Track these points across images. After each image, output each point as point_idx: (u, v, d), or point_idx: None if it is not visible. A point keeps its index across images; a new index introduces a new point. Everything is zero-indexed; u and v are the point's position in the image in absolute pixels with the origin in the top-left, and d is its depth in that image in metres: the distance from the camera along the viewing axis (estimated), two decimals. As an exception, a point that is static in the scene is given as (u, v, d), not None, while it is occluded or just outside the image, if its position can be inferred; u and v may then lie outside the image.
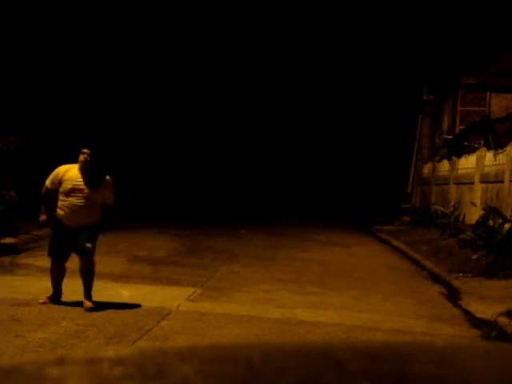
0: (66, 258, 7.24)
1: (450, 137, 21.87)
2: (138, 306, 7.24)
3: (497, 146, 15.77)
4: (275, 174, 33.60)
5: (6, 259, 10.23)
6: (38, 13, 21.64)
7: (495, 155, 15.10)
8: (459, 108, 21.84)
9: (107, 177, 7.06)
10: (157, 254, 12.04)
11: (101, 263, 10.41)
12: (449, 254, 12.95)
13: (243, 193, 29.94)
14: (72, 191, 6.91)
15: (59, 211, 7.00)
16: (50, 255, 7.24)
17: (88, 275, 7.16)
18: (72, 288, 8.12)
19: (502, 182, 13.99)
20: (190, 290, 8.43)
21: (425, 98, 25.26)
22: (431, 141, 25.12)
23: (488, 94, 21.33)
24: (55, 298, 7.13)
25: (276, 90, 33.25)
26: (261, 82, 32.90)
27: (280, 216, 23.55)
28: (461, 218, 16.60)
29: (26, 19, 21.04)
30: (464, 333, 6.94)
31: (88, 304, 6.95)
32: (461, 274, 10.53)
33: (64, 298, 7.40)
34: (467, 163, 17.61)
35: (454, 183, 18.68)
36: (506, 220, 12.66)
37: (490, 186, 15.00)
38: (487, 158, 15.81)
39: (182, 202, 26.24)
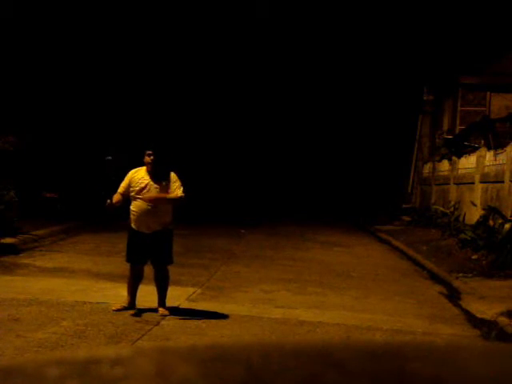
0: (142, 262, 7.11)
1: (450, 137, 21.87)
2: (138, 305, 7.24)
3: (497, 145, 15.77)
4: (275, 174, 33.60)
5: (6, 259, 10.23)
6: (38, 13, 21.65)
7: (495, 155, 15.10)
8: (459, 108, 21.85)
9: (172, 173, 6.97)
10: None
11: (101, 263, 10.44)
12: (449, 254, 12.95)
13: (243, 193, 29.94)
14: (140, 192, 6.86)
15: (132, 216, 6.95)
16: (127, 260, 7.15)
17: (162, 283, 7.04)
18: (71, 288, 8.13)
19: (502, 181, 13.99)
20: (190, 289, 8.43)
21: (425, 97, 25.26)
22: (431, 141, 25.13)
23: (488, 93, 21.34)
24: (131, 304, 7.01)
25: (276, 90, 33.25)
26: (261, 84, 32.92)
27: (280, 216, 23.55)
28: (461, 218, 16.60)
29: (26, 19, 21.05)
30: (464, 333, 6.95)
31: (163, 311, 6.87)
32: (461, 274, 10.53)
33: (62, 298, 7.39)
34: (467, 163, 17.61)
35: (454, 183, 18.68)
36: (506, 220, 12.66)
37: (490, 185, 15.00)
38: (487, 158, 15.81)
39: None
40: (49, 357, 1.01)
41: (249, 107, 33.55)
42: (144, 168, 6.95)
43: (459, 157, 18.71)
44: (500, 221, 12.88)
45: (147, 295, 7.91)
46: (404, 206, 23.45)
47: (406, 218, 20.99)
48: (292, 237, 16.61)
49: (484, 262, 11.48)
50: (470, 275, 10.47)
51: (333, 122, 33.67)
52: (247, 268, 10.81)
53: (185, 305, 7.53)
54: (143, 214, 6.85)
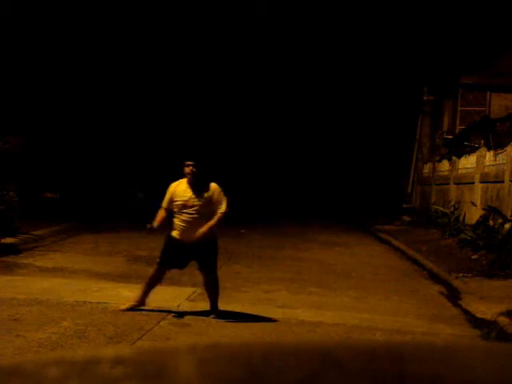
0: (172, 267, 7.15)
1: (450, 137, 21.87)
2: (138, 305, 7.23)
3: (497, 145, 15.77)
4: (276, 175, 33.59)
5: (7, 259, 10.23)
6: (39, 11, 21.63)
7: (495, 155, 15.10)
8: (459, 108, 21.84)
9: (212, 184, 6.89)
10: (157, 253, 11.97)
11: (101, 263, 10.44)
12: (449, 253, 12.95)
13: (243, 193, 29.94)
14: (183, 207, 6.80)
15: (175, 227, 6.92)
16: (159, 262, 7.12)
17: (212, 289, 7.00)
18: (71, 288, 8.13)
19: (503, 181, 13.99)
20: (190, 289, 8.42)
21: (425, 98, 25.25)
22: (431, 141, 25.12)
23: (488, 93, 21.34)
24: (141, 302, 7.00)
25: (276, 90, 33.24)
26: (261, 83, 32.90)
27: (280, 216, 23.54)
28: (461, 218, 16.59)
29: (27, 18, 21.03)
30: (464, 333, 6.94)
31: (213, 317, 6.83)
32: (461, 274, 10.53)
33: (62, 299, 7.39)
34: (467, 163, 17.61)
35: (454, 183, 18.68)
36: (506, 220, 12.66)
37: (490, 185, 15.00)
38: (487, 158, 15.81)
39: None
40: (49, 357, 1.00)
41: (249, 107, 33.54)
42: (185, 180, 6.87)
43: (459, 157, 18.71)
44: (500, 221, 12.88)
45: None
46: (404, 205, 23.45)
47: (406, 218, 20.99)
48: (292, 237, 16.60)
49: (484, 261, 11.48)
50: (470, 275, 10.47)
51: (333, 123, 33.66)
52: (247, 268, 10.81)
53: (185, 305, 7.53)
54: (187, 228, 6.81)
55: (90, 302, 7.26)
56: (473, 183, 16.48)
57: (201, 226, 6.75)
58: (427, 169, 23.87)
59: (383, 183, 28.99)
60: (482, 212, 14.19)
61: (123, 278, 9.16)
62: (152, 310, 7.03)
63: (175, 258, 7.00)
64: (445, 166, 20.62)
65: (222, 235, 16.44)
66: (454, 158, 19.25)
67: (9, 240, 11.60)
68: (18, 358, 4.71)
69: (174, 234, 6.96)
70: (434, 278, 10.82)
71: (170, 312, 7.04)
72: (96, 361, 0.91)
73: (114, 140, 27.05)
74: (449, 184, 19.37)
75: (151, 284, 7.11)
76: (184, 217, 6.82)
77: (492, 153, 15.46)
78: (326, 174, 33.58)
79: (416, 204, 24.00)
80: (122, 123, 27.75)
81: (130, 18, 27.27)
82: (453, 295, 9.18)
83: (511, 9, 20.59)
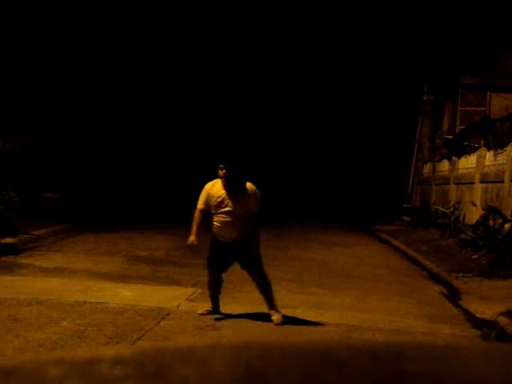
0: (222, 269, 7.04)
1: (450, 137, 21.87)
2: (138, 305, 7.24)
3: (497, 145, 15.77)
4: (276, 175, 33.60)
5: (6, 259, 10.23)
6: (38, 13, 21.63)
7: (495, 155, 15.10)
8: (459, 108, 21.85)
9: (248, 184, 6.85)
10: (157, 254, 12.05)
11: (101, 263, 10.44)
12: (449, 253, 12.96)
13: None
14: (219, 207, 6.76)
15: (214, 227, 6.87)
16: (208, 266, 7.05)
17: (263, 287, 6.93)
18: (71, 288, 8.13)
19: (502, 181, 13.99)
20: (190, 289, 8.43)
21: (425, 98, 25.26)
22: (431, 141, 25.13)
23: (488, 93, 21.34)
24: (215, 309, 6.97)
25: (276, 90, 33.24)
26: (260, 83, 32.90)
27: (281, 216, 23.55)
28: (461, 218, 16.60)
29: (26, 19, 21.03)
30: (464, 333, 6.95)
31: (275, 318, 6.74)
32: (461, 274, 10.53)
33: (62, 299, 7.40)
34: (467, 163, 17.61)
35: (454, 183, 18.68)
36: (506, 220, 12.67)
37: (490, 185, 15.00)
38: (487, 158, 15.81)
39: (183, 202, 26.24)
40: (49, 357, 1.00)
41: (248, 107, 33.54)
42: (220, 181, 6.84)
43: (459, 157, 18.71)
44: (500, 221, 12.89)
45: (146, 295, 7.93)
46: (404, 206, 23.44)
47: (406, 218, 20.99)
48: (293, 237, 16.60)
49: (484, 261, 11.48)
50: (470, 275, 10.47)
51: (333, 123, 33.66)
52: (247, 268, 10.80)
53: (185, 305, 7.53)
54: (225, 228, 6.77)
55: (90, 302, 7.26)
56: (473, 183, 16.48)
57: (236, 227, 6.70)
58: (427, 169, 23.87)
59: (383, 183, 28.99)
60: (482, 212, 14.20)
61: (123, 278, 9.16)
62: (152, 310, 7.02)
63: (220, 259, 6.92)
64: (445, 166, 20.62)
65: (222, 235, 16.46)
66: (453, 158, 19.25)
67: (9, 240, 11.60)
68: (17, 358, 4.72)
69: (215, 235, 6.91)
70: (434, 278, 10.82)
71: (169, 312, 7.04)
72: (96, 361, 0.91)
73: (114, 140, 27.05)
74: (449, 184, 19.37)
75: (213, 289, 7.03)
76: (221, 217, 6.77)
77: (492, 153, 15.46)
78: (326, 175, 33.58)
79: (416, 204, 24.00)
80: (122, 123, 27.75)
81: (130, 18, 27.28)
82: (453, 295, 9.19)
83: (511, 9, 20.59)
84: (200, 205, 6.90)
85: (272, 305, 6.90)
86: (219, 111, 33.16)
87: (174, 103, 31.28)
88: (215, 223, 6.84)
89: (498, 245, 11.77)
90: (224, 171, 6.72)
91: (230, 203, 6.75)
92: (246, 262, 6.96)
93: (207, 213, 6.91)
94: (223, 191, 6.79)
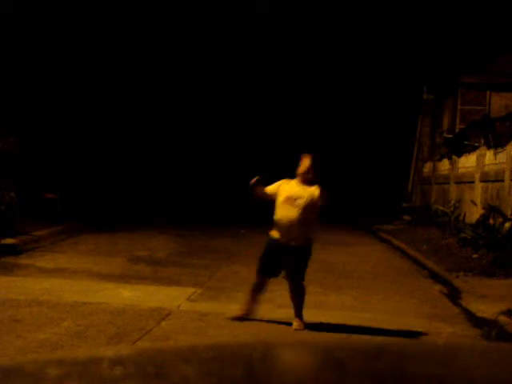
0: (271, 276, 6.94)
1: (450, 136, 21.87)
2: (138, 306, 7.24)
3: (497, 144, 15.77)
4: (276, 175, 33.54)
5: (7, 260, 10.23)
6: (38, 13, 21.63)
7: (495, 154, 15.10)
8: (459, 107, 21.84)
9: (317, 185, 6.80)
10: (157, 254, 12.05)
11: (101, 264, 10.44)
12: (449, 253, 12.95)
13: (243, 193, 29.92)
14: (286, 201, 6.69)
15: (276, 224, 6.80)
16: (258, 271, 6.94)
17: (296, 297, 6.85)
18: (72, 289, 8.13)
19: (503, 180, 13.99)
20: (191, 290, 8.43)
21: (425, 97, 25.26)
22: (431, 140, 25.13)
23: (488, 92, 21.34)
24: (249, 311, 6.86)
25: (275, 89, 33.23)
26: (260, 82, 32.89)
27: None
28: (461, 217, 16.59)
29: (23, 21, 21.03)
30: (464, 332, 6.94)
31: (296, 325, 6.68)
32: (461, 273, 10.53)
33: (63, 299, 7.40)
34: (467, 162, 17.61)
35: (455, 182, 18.68)
36: (506, 219, 12.66)
37: (491, 185, 14.99)
38: (487, 157, 15.81)
39: (183, 202, 26.24)
40: (49, 357, 1.01)
41: (248, 106, 33.52)
42: (294, 181, 6.80)
43: (459, 156, 18.71)
44: (500, 220, 12.89)
45: (146, 296, 7.93)
46: (404, 205, 23.43)
47: (407, 218, 20.99)
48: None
49: (484, 260, 11.48)
50: (471, 274, 10.47)
51: (333, 122, 33.66)
52: (247, 268, 10.78)
53: (185, 305, 7.53)
54: (288, 222, 6.66)
55: (91, 303, 7.26)
56: (473, 182, 16.47)
57: (297, 226, 6.61)
58: (427, 168, 23.87)
59: (383, 182, 28.99)
60: (482, 211, 14.19)
61: (123, 278, 9.16)
62: (152, 310, 7.02)
63: (272, 264, 6.82)
64: (445, 165, 20.62)
65: (222, 235, 16.52)
66: (454, 157, 19.25)
67: (9, 241, 11.60)
68: (18, 359, 4.72)
69: (275, 234, 6.81)
70: (435, 277, 10.82)
71: (170, 312, 7.04)
72: (96, 361, 0.91)
73: (114, 140, 27.05)
74: (449, 183, 19.37)
75: (254, 294, 6.92)
76: (285, 210, 6.68)
77: (492, 152, 15.46)
78: (326, 174, 33.52)
79: (416, 203, 24.00)
80: (122, 123, 27.74)
81: (130, 17, 27.27)
82: (453, 294, 9.18)
83: (511, 8, 20.59)
84: (268, 188, 6.86)
85: (298, 314, 6.79)
86: (219, 111, 33.15)
87: (173, 103, 31.27)
88: (279, 218, 6.73)
89: (499, 244, 11.77)
90: (305, 168, 6.71)
91: (299, 197, 6.67)
92: (293, 271, 6.81)
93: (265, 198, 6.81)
94: (296, 186, 6.73)
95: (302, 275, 6.85)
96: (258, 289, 6.93)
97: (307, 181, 6.75)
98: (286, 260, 6.73)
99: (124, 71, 27.34)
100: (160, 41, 29.10)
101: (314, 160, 6.86)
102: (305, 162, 6.82)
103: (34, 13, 21.44)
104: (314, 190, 6.74)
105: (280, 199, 6.75)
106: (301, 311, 6.83)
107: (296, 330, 6.63)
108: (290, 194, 6.71)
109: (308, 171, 6.74)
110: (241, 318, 6.78)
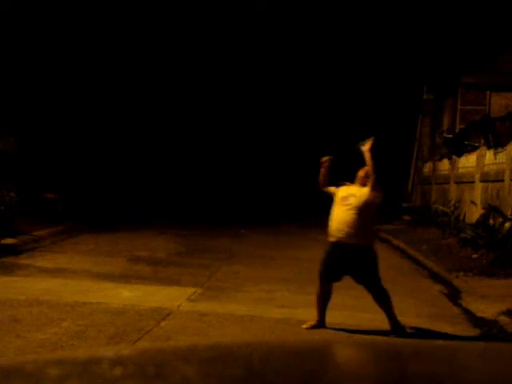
0: (334, 280, 6.89)
1: (450, 136, 21.86)
2: (138, 306, 7.24)
3: (497, 144, 15.76)
4: (275, 175, 33.58)
5: (7, 260, 10.23)
6: (38, 13, 21.63)
7: (495, 154, 15.09)
8: (459, 107, 21.84)
9: (372, 186, 6.83)
10: (157, 254, 12.05)
11: (102, 264, 10.44)
12: (449, 252, 12.95)
13: (243, 193, 29.94)
14: (339, 201, 6.72)
15: (330, 225, 6.82)
16: (320, 277, 6.89)
17: (381, 302, 6.80)
18: (72, 289, 8.13)
19: (503, 180, 13.99)
20: (191, 290, 8.43)
21: (425, 97, 25.26)
22: (431, 140, 25.13)
23: (488, 92, 21.33)
24: (321, 322, 6.78)
25: (274, 89, 33.24)
26: (259, 82, 32.90)
27: (280, 216, 23.54)
28: (461, 217, 16.59)
29: (27, 19, 21.03)
30: (464, 332, 6.94)
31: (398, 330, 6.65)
32: (461, 273, 10.52)
33: (63, 299, 7.39)
34: (467, 162, 17.60)
35: (455, 182, 18.68)
36: (506, 219, 12.66)
37: (491, 184, 14.99)
38: (487, 157, 15.80)
39: (183, 202, 26.24)
40: (49, 357, 1.01)
41: (248, 106, 33.52)
42: (354, 185, 6.83)
43: (459, 156, 18.70)
44: (500, 220, 12.88)
45: (146, 296, 7.93)
46: (404, 205, 23.42)
47: (407, 217, 20.98)
48: (292, 236, 16.61)
49: (484, 260, 11.48)
50: (471, 274, 10.47)
51: (333, 122, 33.66)
52: (247, 268, 10.81)
53: (185, 305, 7.53)
54: (341, 222, 6.68)
55: (91, 303, 7.26)
56: (473, 182, 16.47)
57: (355, 227, 6.60)
58: (427, 168, 23.86)
59: (383, 182, 28.94)
60: (483, 211, 14.19)
61: (124, 278, 9.16)
62: (152, 310, 7.02)
63: (333, 269, 6.78)
64: (445, 165, 20.62)
65: (222, 235, 16.52)
66: (454, 157, 19.25)
67: (9, 241, 11.60)
68: (18, 359, 4.72)
69: (331, 237, 6.81)
70: (435, 277, 10.82)
71: (170, 312, 7.04)
72: (96, 361, 0.91)
73: (114, 140, 27.05)
74: (449, 183, 19.36)
75: (322, 302, 6.86)
76: (342, 210, 6.68)
77: (492, 152, 15.46)
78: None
79: (416, 203, 23.99)
80: (122, 123, 27.74)
81: (130, 17, 27.27)
82: (453, 294, 9.18)
83: (511, 8, 20.59)
84: (329, 187, 6.97)
85: (392, 322, 6.71)
86: (218, 111, 33.15)
87: (173, 103, 31.27)
88: (334, 219, 6.76)
89: (499, 244, 11.76)
90: (365, 172, 6.81)
91: (355, 197, 6.71)
92: (362, 276, 6.79)
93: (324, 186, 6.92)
94: (354, 188, 6.79)
95: (375, 277, 6.78)
96: (324, 297, 6.84)
97: (364, 184, 6.78)
98: (350, 263, 6.68)
99: (124, 71, 27.34)
100: (160, 41, 29.10)
101: (375, 166, 6.92)
102: (364, 169, 6.90)
103: (34, 13, 21.44)
104: (367, 190, 6.73)
105: (335, 200, 6.84)
106: (391, 315, 6.73)
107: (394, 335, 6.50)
108: (344, 195, 6.76)
109: (367, 175, 6.78)
110: (314, 327, 6.71)
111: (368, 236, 6.84)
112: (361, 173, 6.84)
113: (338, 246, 6.69)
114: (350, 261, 6.66)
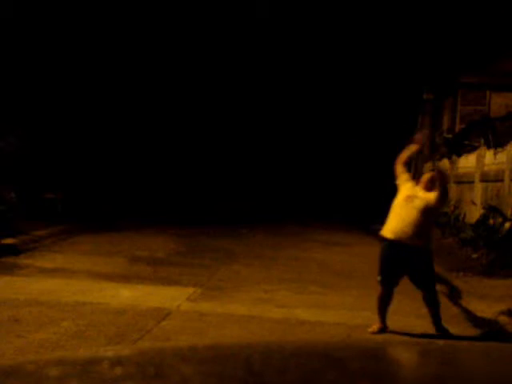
0: (395, 284, 6.82)
1: (449, 136, 21.87)
2: (138, 306, 7.24)
3: (497, 144, 15.76)
4: (275, 174, 33.59)
5: (7, 260, 10.23)
6: (38, 13, 21.63)
7: (495, 154, 15.09)
8: (459, 107, 21.85)
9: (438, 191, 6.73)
10: (157, 254, 12.04)
11: (102, 264, 10.44)
12: (449, 253, 12.95)
13: (243, 193, 29.94)
14: (405, 199, 6.66)
15: (389, 218, 6.77)
16: (380, 281, 6.81)
17: (430, 304, 6.81)
18: (72, 289, 8.13)
19: (502, 180, 13.99)
20: (191, 289, 8.43)
21: (425, 97, 25.26)
22: (431, 140, 25.12)
23: (488, 93, 21.34)
24: (383, 327, 6.73)
25: (276, 90, 33.25)
26: (260, 83, 32.90)
27: (280, 216, 23.54)
28: (461, 217, 16.59)
29: (27, 19, 21.03)
30: (464, 332, 6.94)
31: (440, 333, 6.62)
32: (461, 273, 10.53)
33: (63, 299, 7.39)
34: (467, 162, 17.60)
35: (454, 182, 18.68)
36: (506, 219, 12.66)
37: (490, 184, 14.99)
38: (487, 157, 15.80)
39: (183, 202, 26.24)
40: (49, 357, 1.01)
41: (248, 107, 33.53)
42: (419, 186, 6.79)
43: (459, 156, 18.70)
44: (500, 220, 12.88)
45: (146, 296, 7.93)
46: (404, 205, 23.42)
47: (407, 218, 20.96)
48: (292, 236, 16.60)
49: (484, 260, 11.48)
50: (471, 274, 10.47)
51: (333, 122, 33.67)
52: (247, 268, 10.81)
53: (185, 305, 7.53)
54: (404, 222, 6.59)
55: (91, 303, 7.26)
56: (473, 182, 16.47)
57: (414, 226, 6.54)
58: (427, 168, 23.85)
59: (383, 182, 28.97)
60: (482, 211, 14.19)
61: (124, 278, 9.16)
62: (152, 310, 7.02)
63: (393, 270, 6.74)
64: (445, 165, 20.61)
65: (222, 235, 16.50)
66: (454, 157, 19.25)
67: (9, 240, 11.60)
68: (18, 359, 4.71)
69: (386, 233, 6.73)
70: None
71: (170, 312, 7.04)
72: (96, 361, 0.91)
73: (115, 140, 27.05)
74: (449, 183, 19.37)
75: (383, 307, 6.80)
76: (402, 209, 6.64)
77: (492, 152, 15.46)
78: (325, 174, 33.57)
79: (416, 203, 23.97)
80: (122, 123, 27.74)
81: (131, 19, 27.27)
82: (453, 294, 9.18)
83: (511, 8, 20.59)
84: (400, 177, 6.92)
85: (437, 326, 6.70)
86: (218, 112, 33.15)
87: (173, 103, 31.27)
88: (394, 216, 6.70)
89: (499, 244, 11.76)
90: (430, 177, 6.76)
91: (419, 198, 6.65)
92: (418, 277, 6.77)
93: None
94: (419, 189, 6.72)
95: (432, 278, 6.81)
96: (385, 301, 6.78)
97: (429, 189, 6.73)
98: (408, 264, 6.65)
99: (124, 71, 27.34)
100: (161, 42, 29.11)
101: (439, 175, 6.88)
102: (430, 174, 6.90)
103: (35, 13, 21.44)
104: (434, 195, 6.66)
105: (400, 197, 6.77)
106: (437, 319, 6.72)
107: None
108: (409, 194, 6.70)
109: (432, 180, 6.73)
110: (379, 332, 6.68)
111: (429, 239, 6.86)
112: (427, 177, 6.82)
113: (398, 245, 6.64)
114: (409, 261, 6.65)
